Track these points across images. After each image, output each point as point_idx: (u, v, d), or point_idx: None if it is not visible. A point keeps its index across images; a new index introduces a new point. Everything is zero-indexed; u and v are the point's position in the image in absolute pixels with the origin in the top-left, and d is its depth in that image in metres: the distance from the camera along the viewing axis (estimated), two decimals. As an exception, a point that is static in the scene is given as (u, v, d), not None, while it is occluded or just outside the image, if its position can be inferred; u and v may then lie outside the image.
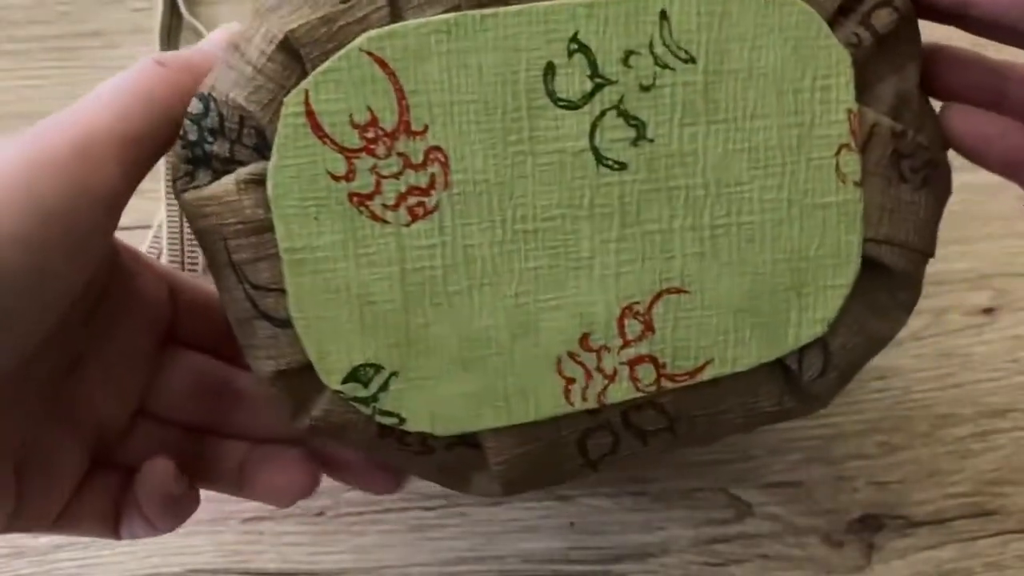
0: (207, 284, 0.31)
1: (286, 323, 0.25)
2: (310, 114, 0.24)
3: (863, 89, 0.27)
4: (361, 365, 0.26)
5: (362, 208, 0.25)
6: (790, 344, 0.28)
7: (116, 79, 0.25)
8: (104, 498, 0.28)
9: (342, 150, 0.24)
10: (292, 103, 0.24)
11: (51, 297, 0.23)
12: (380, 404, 0.26)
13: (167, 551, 0.37)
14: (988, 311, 0.42)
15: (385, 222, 0.25)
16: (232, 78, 0.25)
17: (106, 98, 0.24)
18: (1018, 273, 0.42)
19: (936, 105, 0.29)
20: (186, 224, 0.41)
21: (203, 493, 0.30)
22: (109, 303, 0.28)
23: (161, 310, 0.30)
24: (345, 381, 0.26)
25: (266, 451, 0.30)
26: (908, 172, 0.27)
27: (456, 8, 0.24)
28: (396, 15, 0.24)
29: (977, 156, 0.28)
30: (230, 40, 0.25)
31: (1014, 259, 0.42)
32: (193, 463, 0.30)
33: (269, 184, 0.24)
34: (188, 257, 0.41)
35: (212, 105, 0.25)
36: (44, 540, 0.37)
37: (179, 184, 0.26)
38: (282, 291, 0.25)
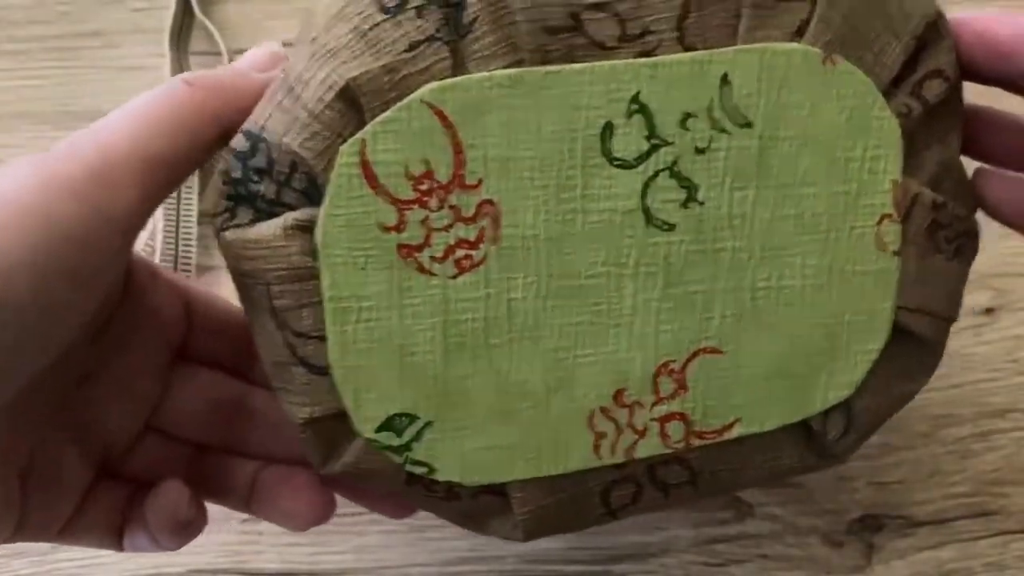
0: (224, 300, 0.31)
1: (324, 371, 0.25)
2: (365, 164, 0.24)
3: (908, 158, 0.27)
4: (396, 414, 0.26)
5: (410, 260, 0.24)
6: (816, 406, 0.28)
7: (142, 99, 0.24)
8: (109, 510, 0.28)
9: (394, 201, 0.24)
10: (348, 152, 0.23)
11: (61, 324, 0.23)
12: (413, 454, 0.26)
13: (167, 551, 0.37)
14: (988, 311, 0.42)
15: (432, 274, 0.25)
16: (286, 121, 0.24)
17: (129, 119, 0.24)
18: (1018, 273, 0.42)
19: (968, 164, 0.29)
20: (183, 225, 0.41)
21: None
22: (121, 320, 0.28)
23: (175, 327, 0.30)
24: (379, 430, 0.26)
25: (280, 472, 0.30)
26: (943, 243, 0.28)
27: (519, 63, 0.24)
28: (459, 66, 0.24)
29: (1010, 223, 0.28)
30: (284, 80, 0.24)
31: (1014, 259, 0.42)
32: (202, 478, 0.29)
33: (318, 232, 0.24)
34: (182, 258, 0.41)
35: (262, 146, 0.24)
36: (44, 540, 0.37)
37: (219, 221, 0.25)
38: (322, 339, 0.25)
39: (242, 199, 0.25)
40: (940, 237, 0.27)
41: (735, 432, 0.28)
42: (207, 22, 0.45)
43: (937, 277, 0.28)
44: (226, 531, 0.37)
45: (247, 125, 0.25)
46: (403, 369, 0.25)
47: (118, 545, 0.28)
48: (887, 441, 0.40)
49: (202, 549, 0.37)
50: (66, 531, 0.27)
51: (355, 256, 0.24)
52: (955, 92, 0.27)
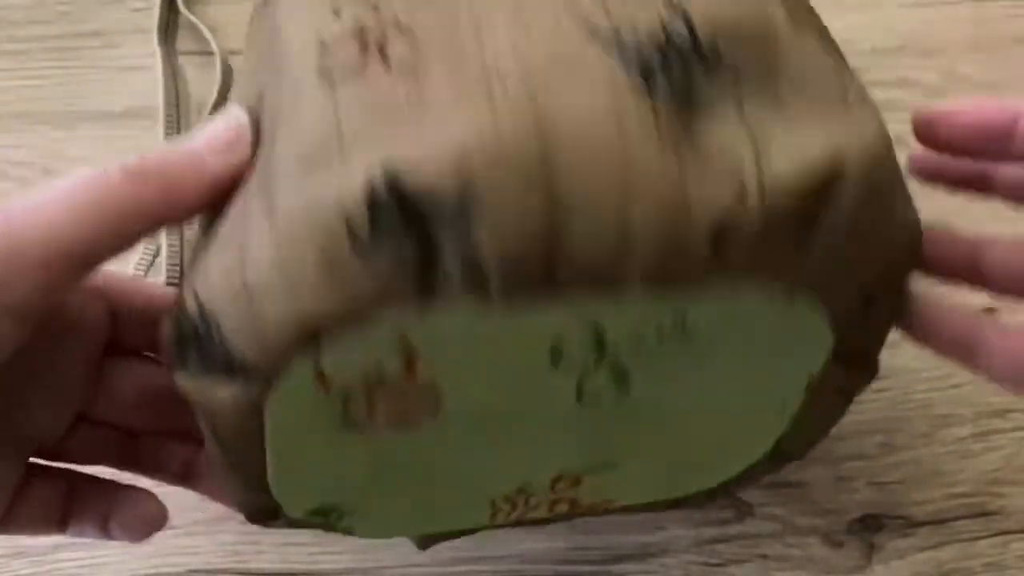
0: (148, 291, 0.30)
1: (262, 486, 0.27)
2: (320, 376, 0.23)
3: (832, 347, 0.27)
4: (323, 506, 0.29)
5: (352, 428, 0.25)
6: (687, 492, 0.32)
7: (71, 181, 0.23)
8: (46, 504, 0.28)
9: (345, 394, 0.24)
10: (302, 365, 0.23)
11: None
12: (335, 526, 0.30)
13: (167, 551, 0.37)
14: (988, 311, 0.42)
15: (370, 435, 0.26)
16: (241, 324, 0.23)
17: (51, 204, 0.22)
18: (1018, 273, 0.42)
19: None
20: (188, 238, 0.41)
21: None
22: (43, 330, 0.27)
23: (99, 328, 0.29)
24: (306, 515, 0.29)
25: None
26: (841, 391, 0.29)
27: (487, 300, 0.22)
28: (424, 296, 0.22)
29: (925, 345, 0.28)
30: (243, 285, 0.23)
31: (1014, 259, 0.42)
32: (136, 460, 0.30)
33: (266, 413, 0.24)
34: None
35: (215, 328, 0.23)
36: (44, 540, 0.37)
37: (170, 355, 0.25)
38: (263, 468, 0.26)
39: (191, 348, 0.24)
40: (841, 391, 0.29)
41: (615, 506, 0.32)
42: (193, 18, 0.45)
43: (826, 416, 0.30)
44: (226, 531, 0.37)
45: (204, 293, 0.23)
46: (335, 487, 0.28)
47: (60, 531, 0.29)
48: (887, 441, 0.40)
49: (202, 549, 0.37)
50: (4, 523, 0.28)
51: (300, 431, 0.25)
52: (899, 302, 0.27)
